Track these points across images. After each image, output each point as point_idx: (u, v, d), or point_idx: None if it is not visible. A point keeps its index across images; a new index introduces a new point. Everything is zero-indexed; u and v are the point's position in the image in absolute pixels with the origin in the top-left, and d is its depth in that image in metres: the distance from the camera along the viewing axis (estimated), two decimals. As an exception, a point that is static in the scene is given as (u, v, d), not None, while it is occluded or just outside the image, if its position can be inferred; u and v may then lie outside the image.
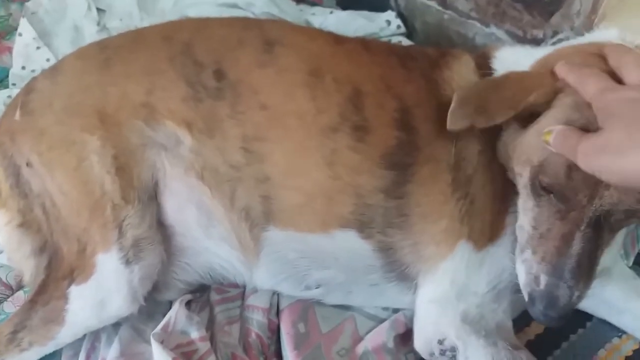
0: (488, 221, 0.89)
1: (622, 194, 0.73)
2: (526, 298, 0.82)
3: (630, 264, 1.08)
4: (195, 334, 0.95)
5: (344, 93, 0.92)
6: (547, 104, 0.78)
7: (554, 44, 1.15)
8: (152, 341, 0.91)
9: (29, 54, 1.40)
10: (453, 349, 0.89)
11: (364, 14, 1.44)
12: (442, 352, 0.90)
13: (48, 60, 1.39)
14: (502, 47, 1.00)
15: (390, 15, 1.42)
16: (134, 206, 0.91)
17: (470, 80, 0.95)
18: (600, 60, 0.79)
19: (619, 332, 1.01)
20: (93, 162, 0.91)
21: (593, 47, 0.84)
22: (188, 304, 1.00)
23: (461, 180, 0.89)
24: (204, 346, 0.94)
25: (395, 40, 1.40)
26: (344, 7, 1.51)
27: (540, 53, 0.90)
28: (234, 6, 1.46)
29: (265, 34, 0.98)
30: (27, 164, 0.94)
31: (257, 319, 1.00)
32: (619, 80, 0.74)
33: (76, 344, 0.96)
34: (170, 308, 0.99)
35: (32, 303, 0.90)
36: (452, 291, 0.90)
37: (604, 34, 0.91)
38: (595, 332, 1.02)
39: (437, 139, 0.90)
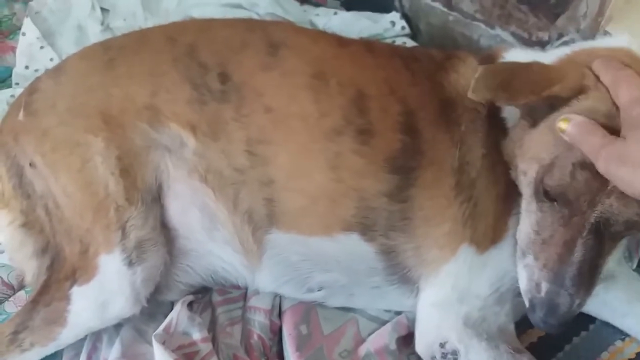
0: (491, 224, 0.89)
1: (622, 205, 0.73)
2: (527, 304, 0.82)
3: (634, 266, 1.08)
4: (197, 335, 0.95)
5: (348, 96, 0.92)
6: (567, 100, 0.77)
7: (560, 46, 1.14)
8: (154, 342, 0.91)
9: (32, 54, 1.40)
10: (455, 353, 0.89)
11: (368, 14, 1.44)
12: (444, 356, 0.89)
13: (52, 59, 1.39)
14: (511, 49, 0.99)
15: (394, 16, 1.42)
16: (137, 208, 0.91)
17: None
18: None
19: (622, 335, 1.01)
20: (97, 164, 0.91)
21: (621, 54, 0.81)
22: (190, 305, 1.00)
23: (465, 184, 0.89)
24: (205, 347, 0.94)
25: (399, 41, 1.39)
26: (348, 8, 1.51)
27: (550, 55, 0.89)
28: (238, 6, 1.46)
29: (269, 36, 0.98)
30: (31, 165, 0.94)
31: (259, 320, 1.00)
32: None
33: (77, 345, 0.96)
34: (172, 309, 0.99)
35: (34, 303, 0.90)
36: (454, 294, 0.90)
37: (616, 39, 0.90)
38: (598, 335, 1.02)
39: (441, 142, 0.90)
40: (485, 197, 0.89)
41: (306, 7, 1.51)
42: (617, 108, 0.73)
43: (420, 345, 0.93)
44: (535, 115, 0.81)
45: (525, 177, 0.82)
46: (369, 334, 0.99)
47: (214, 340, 0.97)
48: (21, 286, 1.05)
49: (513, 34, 1.26)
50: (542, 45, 1.19)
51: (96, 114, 0.94)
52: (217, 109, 0.93)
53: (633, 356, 0.98)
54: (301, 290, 1.00)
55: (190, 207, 0.95)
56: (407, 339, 0.98)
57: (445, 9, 1.35)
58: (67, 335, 0.91)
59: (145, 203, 0.92)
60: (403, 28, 1.41)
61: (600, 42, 0.92)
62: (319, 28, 1.42)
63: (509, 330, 0.92)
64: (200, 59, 0.95)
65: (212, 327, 1.00)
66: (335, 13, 1.46)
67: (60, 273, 0.91)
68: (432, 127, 0.91)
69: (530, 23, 1.22)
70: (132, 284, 0.90)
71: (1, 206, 0.95)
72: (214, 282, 1.03)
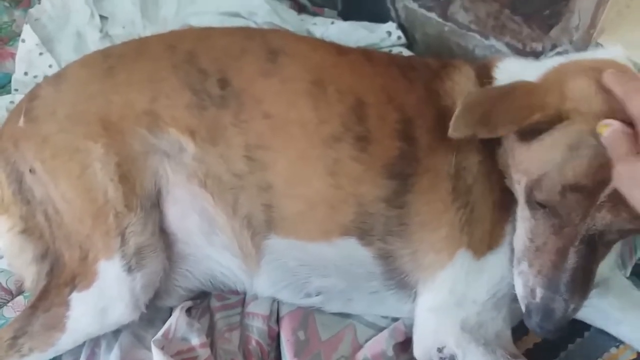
0: (487, 230, 0.90)
1: (614, 215, 0.74)
2: (523, 310, 0.83)
3: (628, 274, 1.08)
4: (195, 340, 0.95)
5: (346, 103, 0.93)
6: (550, 124, 0.78)
7: (553, 56, 1.16)
8: (153, 347, 0.91)
9: (31, 60, 1.41)
10: (452, 357, 0.90)
11: (365, 24, 1.45)
12: (442, 360, 0.90)
13: (50, 66, 1.40)
14: (504, 58, 1.01)
15: (391, 26, 1.44)
16: (136, 214, 0.92)
17: (470, 90, 0.96)
18: None
19: (617, 342, 1.01)
20: (96, 170, 0.92)
21: (608, 65, 0.82)
22: (188, 311, 1.01)
23: (461, 190, 0.90)
24: (204, 353, 0.94)
25: (395, 51, 1.41)
26: (345, 18, 1.52)
27: (542, 65, 0.91)
28: (237, 15, 1.47)
29: (268, 44, 0.99)
30: (30, 171, 0.94)
31: (257, 326, 1.00)
32: None
33: (76, 350, 0.96)
34: (170, 314, 0.99)
35: (33, 309, 0.91)
36: (452, 299, 0.90)
37: (608, 50, 0.92)
38: (593, 342, 1.02)
39: (438, 149, 0.92)
40: (482, 203, 0.91)
41: (304, 16, 1.53)
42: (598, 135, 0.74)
43: (418, 350, 0.93)
44: (524, 133, 0.82)
45: (520, 186, 0.84)
46: (367, 340, 1.00)
47: (212, 345, 0.98)
48: (20, 291, 1.05)
49: (507, 45, 1.27)
50: (536, 55, 1.21)
51: (96, 120, 0.94)
52: (217, 114, 0.93)
53: (627, 363, 0.99)
54: (299, 295, 1.00)
55: (189, 212, 0.96)
56: (404, 345, 0.98)
57: (440, 20, 1.37)
58: (66, 340, 0.91)
59: (145, 209, 0.93)
60: (399, 38, 1.42)
61: (592, 54, 0.93)
62: (316, 37, 1.44)
63: (506, 335, 0.93)
64: (200, 66, 0.96)
65: (211, 333, 1.00)
66: (333, 23, 1.47)
67: (60, 279, 0.91)
68: (428, 134, 0.92)
69: (524, 34, 1.24)
70: (132, 290, 0.91)
71: (1, 212, 0.96)
72: (212, 286, 1.03)
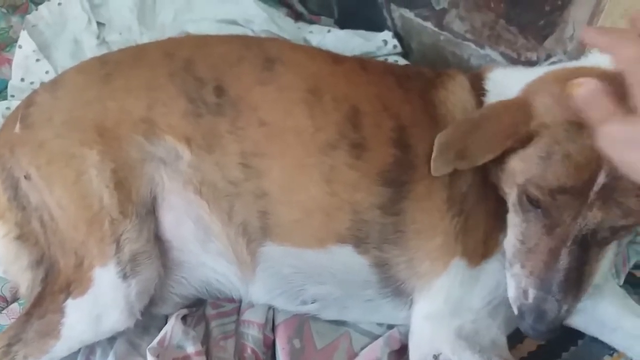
0: (482, 238, 0.91)
1: (605, 213, 0.75)
2: (515, 312, 0.83)
3: (621, 282, 1.09)
4: (191, 348, 0.95)
5: (342, 111, 0.93)
6: (524, 144, 0.80)
7: (542, 66, 1.17)
8: (148, 355, 0.91)
9: (28, 66, 1.41)
10: (448, 365, 0.89)
11: (361, 33, 1.46)
12: (437, 368, 0.90)
13: (47, 72, 1.40)
14: (494, 69, 1.02)
15: (387, 35, 1.44)
16: (131, 220, 0.92)
17: (465, 99, 0.97)
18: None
19: (611, 350, 1.02)
20: (92, 176, 0.92)
21: (580, 71, 0.84)
22: (184, 319, 1.01)
23: (456, 198, 0.91)
24: (199, 360, 0.94)
25: (391, 59, 1.42)
26: (342, 26, 1.53)
27: (531, 74, 0.92)
28: (234, 23, 1.47)
29: (265, 52, 1.00)
30: (26, 177, 0.94)
31: (252, 334, 1.00)
32: None
33: (71, 357, 0.95)
34: (166, 322, 0.99)
35: (28, 316, 0.90)
36: (447, 307, 0.91)
37: (596, 58, 0.93)
38: (587, 350, 1.03)
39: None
40: (476, 211, 0.91)
41: (300, 24, 1.54)
42: (570, 134, 0.75)
43: (414, 357, 0.93)
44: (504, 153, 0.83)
45: (510, 197, 0.85)
46: (362, 348, 1.00)
47: (207, 353, 0.97)
48: (15, 298, 1.05)
49: (502, 54, 1.28)
50: (531, 65, 1.22)
51: (92, 127, 0.94)
52: (213, 122, 0.94)
53: (622, 371, 0.99)
54: (294, 302, 1.00)
55: (185, 219, 0.96)
56: (399, 354, 0.98)
57: (436, 29, 1.38)
58: (60, 348, 0.91)
59: (140, 216, 0.93)
60: (395, 47, 1.43)
61: (578, 62, 0.94)
62: (313, 45, 1.44)
63: (501, 343, 0.93)
64: (197, 74, 0.96)
65: (206, 341, 1.00)
66: (329, 31, 1.48)
67: (55, 285, 0.91)
68: (423, 142, 0.92)
69: (519, 44, 1.25)
70: (127, 297, 0.91)
71: (-4, 218, 0.95)
72: (208, 294, 1.03)
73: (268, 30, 1.45)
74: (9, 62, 1.44)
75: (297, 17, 1.59)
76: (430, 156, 0.91)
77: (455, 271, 0.90)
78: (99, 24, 1.50)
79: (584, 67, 0.88)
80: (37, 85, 1.36)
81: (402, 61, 1.42)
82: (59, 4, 1.50)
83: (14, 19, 1.53)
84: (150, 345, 0.93)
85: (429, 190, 0.91)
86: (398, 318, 0.99)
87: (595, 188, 0.75)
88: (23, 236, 0.94)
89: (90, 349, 0.97)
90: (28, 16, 1.48)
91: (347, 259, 0.93)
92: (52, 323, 0.90)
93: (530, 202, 0.80)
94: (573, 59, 1.15)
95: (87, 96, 0.98)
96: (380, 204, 0.91)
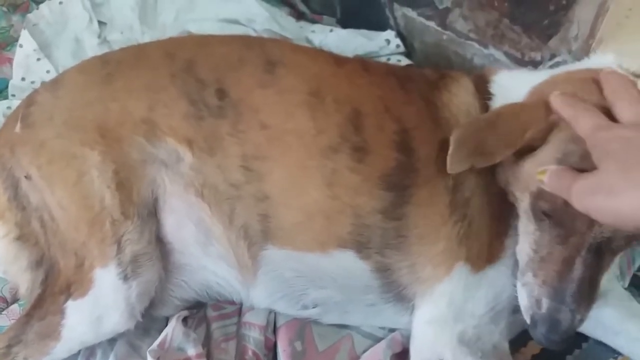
0: (486, 243, 0.90)
1: None
2: (528, 321, 0.82)
3: (626, 285, 1.08)
4: (191, 350, 0.95)
5: (344, 114, 0.93)
6: (543, 139, 0.79)
7: (551, 67, 1.16)
8: (149, 358, 0.91)
9: (29, 66, 1.41)
10: (449, 370, 0.89)
11: (363, 32, 1.45)
12: (439, 373, 0.90)
13: (48, 72, 1.40)
14: (499, 71, 1.01)
15: (389, 34, 1.44)
16: (133, 222, 0.91)
17: (468, 102, 0.96)
18: (595, 88, 0.80)
19: (615, 353, 1.01)
20: (93, 177, 0.92)
21: (587, 74, 0.84)
22: (184, 320, 1.00)
23: (459, 203, 0.90)
24: (200, 363, 0.94)
25: (394, 59, 1.41)
26: (344, 26, 1.52)
27: (537, 77, 0.91)
28: (235, 22, 1.47)
29: (266, 54, 0.99)
30: (26, 177, 0.94)
31: (253, 337, 1.00)
32: (611, 116, 0.74)
33: (71, 359, 0.95)
34: (166, 324, 0.99)
35: (28, 317, 0.90)
36: (449, 312, 0.90)
37: (600, 59, 0.92)
38: (592, 353, 1.02)
39: (435, 161, 0.91)
40: (480, 216, 0.90)
41: (302, 23, 1.53)
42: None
43: None
44: (520, 152, 0.82)
45: (522, 203, 0.84)
46: (364, 351, 0.99)
47: (208, 355, 0.97)
48: (15, 299, 1.05)
49: (506, 54, 1.27)
50: (535, 65, 1.21)
51: (93, 127, 0.94)
52: (214, 124, 0.93)
53: (626, 374, 0.98)
54: (296, 306, 1.00)
55: (186, 222, 0.95)
56: (401, 356, 0.97)
57: (439, 28, 1.37)
58: (61, 349, 0.90)
59: (141, 217, 0.92)
60: (398, 46, 1.43)
61: (583, 64, 0.94)
62: (315, 45, 1.44)
63: (503, 348, 0.92)
64: (198, 75, 0.96)
65: (207, 343, 1.00)
66: (331, 30, 1.47)
67: (55, 287, 0.91)
68: (426, 146, 0.92)
69: (523, 43, 1.24)
70: (127, 298, 0.90)
71: (-4, 218, 0.95)
72: (208, 297, 1.02)
73: (270, 30, 1.44)
74: (10, 61, 1.43)
75: (299, 16, 1.58)
76: (433, 160, 0.91)
77: (458, 276, 0.90)
78: (100, 23, 1.50)
79: (590, 69, 0.87)
80: (38, 85, 1.35)
81: (404, 61, 1.41)
82: (60, 2, 1.50)
83: (15, 18, 1.53)
84: (151, 348, 0.93)
85: (431, 194, 0.90)
86: (400, 323, 0.98)
87: None
88: (23, 237, 0.94)
89: (91, 350, 0.97)
90: (29, 15, 1.48)
91: (349, 264, 0.93)
92: (53, 324, 0.89)
93: (543, 212, 0.79)
94: (577, 58, 1.15)
95: (88, 96, 0.97)
96: (382, 209, 0.90)
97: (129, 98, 0.95)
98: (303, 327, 1.01)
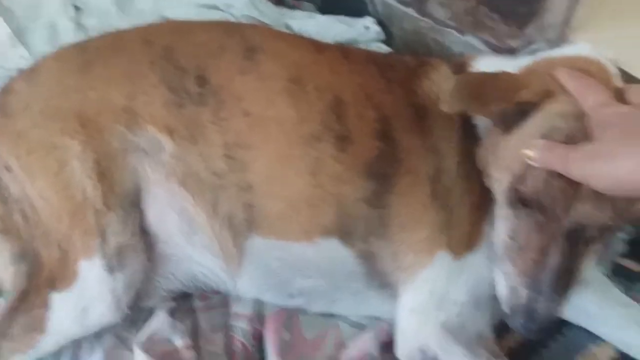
0: (467, 231, 0.91)
1: (596, 210, 0.75)
2: (507, 311, 0.83)
3: (606, 272, 1.10)
4: (179, 342, 0.95)
5: (325, 101, 0.93)
6: (535, 105, 0.80)
7: (528, 54, 1.18)
8: (135, 349, 0.91)
9: (3, 52, 1.36)
10: (435, 358, 0.90)
11: (343, 19, 1.45)
12: (424, 361, 0.91)
13: (22, 57, 1.36)
14: (478, 57, 1.02)
15: (369, 21, 1.44)
16: (116, 213, 0.91)
17: (448, 90, 0.97)
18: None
19: (597, 340, 1.02)
20: (74, 167, 0.90)
21: (581, 63, 0.85)
22: (172, 312, 1.00)
23: (440, 191, 0.91)
24: (188, 354, 0.94)
25: (373, 45, 1.41)
26: (324, 12, 1.52)
27: (516, 63, 0.92)
28: (214, 7, 1.45)
29: (246, 40, 0.98)
30: (7, 168, 0.92)
31: (241, 327, 1.00)
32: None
33: (58, 353, 0.94)
34: (153, 315, 0.99)
35: (13, 311, 0.89)
36: (432, 300, 0.91)
37: (577, 47, 0.93)
38: (574, 339, 1.03)
39: (416, 149, 0.92)
40: (461, 204, 0.91)
41: (282, 9, 1.51)
42: (583, 111, 0.76)
43: (400, 351, 0.94)
44: (507, 123, 0.83)
45: (500, 185, 0.84)
46: (351, 340, 1.00)
47: (196, 347, 0.97)
48: (-2, 293, 1.03)
49: (483, 41, 1.29)
50: (512, 52, 1.23)
51: (72, 116, 0.93)
52: (195, 112, 0.93)
53: (607, 360, 1.00)
54: (282, 295, 1.01)
55: (169, 212, 0.95)
56: (388, 345, 0.98)
57: (417, 15, 1.38)
58: (47, 342, 0.90)
59: (124, 208, 0.92)
60: (377, 33, 1.43)
61: (562, 51, 0.94)
62: (294, 31, 1.43)
63: (487, 335, 0.94)
64: (178, 62, 0.95)
65: (194, 334, 1.00)
66: (311, 17, 1.46)
67: (39, 279, 0.90)
68: (406, 134, 0.92)
69: (500, 31, 1.25)
70: (113, 290, 0.90)
71: (-24, 212, 0.93)
72: (194, 287, 1.03)
73: (249, 15, 1.42)
74: (-16, 48, 1.39)
75: (279, 2, 1.56)
76: (414, 149, 0.92)
77: (439, 263, 0.91)
78: (76, 8, 1.46)
79: (574, 56, 0.88)
80: (14, 72, 1.32)
81: (384, 47, 1.41)
82: (33, -14, 1.46)
83: (-13, 3, 1.48)
84: (138, 339, 0.93)
85: (413, 183, 0.92)
86: (386, 311, 0.99)
87: None
88: (5, 230, 0.92)
89: (78, 343, 0.96)
90: (2, 0, 1.44)
91: (334, 252, 0.94)
92: (38, 317, 0.89)
93: (519, 200, 0.80)
94: (553, 46, 1.17)
95: (66, 84, 0.96)
96: (365, 197, 0.91)
97: (108, 86, 0.94)
98: (290, 317, 1.02)
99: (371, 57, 1.06)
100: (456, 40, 1.33)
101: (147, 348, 0.92)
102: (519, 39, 1.23)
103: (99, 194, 0.90)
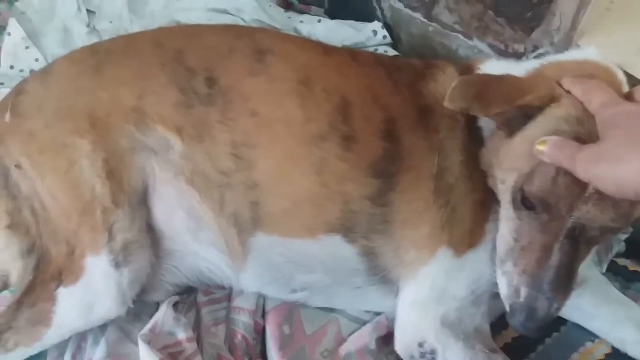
0: (468, 229, 0.92)
1: (599, 211, 0.75)
2: (507, 309, 0.84)
3: (604, 270, 1.11)
4: (182, 335, 0.96)
5: (333, 103, 0.94)
6: (540, 109, 0.80)
7: (535, 58, 1.18)
8: (140, 342, 0.92)
9: (17, 54, 1.40)
10: (433, 352, 0.91)
11: (351, 23, 1.46)
12: (422, 355, 0.92)
13: (37, 60, 1.39)
14: (486, 61, 1.03)
15: (376, 25, 1.45)
16: (124, 210, 0.92)
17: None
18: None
19: (592, 336, 1.03)
20: (84, 166, 0.92)
21: (577, 65, 0.86)
22: (175, 306, 1.02)
23: (443, 189, 0.92)
24: (190, 347, 0.95)
25: (381, 50, 1.42)
26: (332, 17, 1.53)
27: (523, 67, 0.92)
28: (224, 12, 1.47)
29: (256, 43, 1.00)
30: (17, 166, 0.94)
31: (243, 321, 1.02)
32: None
33: (62, 345, 0.96)
34: (157, 309, 1.00)
35: (19, 304, 0.91)
36: (432, 296, 0.92)
37: (585, 52, 0.94)
38: (570, 336, 1.04)
39: (421, 149, 0.93)
40: (463, 202, 0.92)
41: (291, 14, 1.53)
42: (588, 115, 0.77)
43: (399, 345, 0.95)
44: (511, 126, 0.84)
45: (504, 186, 0.85)
46: (350, 334, 1.02)
47: (198, 340, 0.99)
48: (5, 286, 1.05)
49: (490, 46, 1.29)
50: (518, 57, 1.23)
51: (83, 116, 0.94)
52: (204, 112, 0.94)
53: (603, 357, 1.01)
54: (285, 291, 1.02)
55: (176, 209, 0.96)
56: (386, 339, 1.00)
57: (425, 20, 1.38)
58: (52, 336, 0.91)
59: (132, 205, 0.93)
60: (385, 37, 1.44)
61: (569, 55, 0.95)
62: (303, 35, 1.44)
63: (485, 331, 0.94)
64: (188, 64, 0.97)
65: (197, 328, 1.01)
66: (320, 21, 1.48)
67: (46, 274, 0.92)
68: (412, 134, 0.93)
69: (507, 35, 1.26)
70: (119, 285, 0.92)
71: (-13, 208, 0.95)
72: (199, 282, 1.04)
73: (259, 20, 1.45)
74: (-2, 49, 1.43)
75: (288, 6, 1.59)
76: (419, 148, 0.93)
77: (441, 260, 0.92)
78: (89, 12, 1.49)
79: (582, 61, 0.89)
80: (27, 73, 1.35)
81: (391, 52, 1.42)
82: (48, -10, 1.49)
83: (2, 6, 1.51)
84: (142, 332, 0.94)
85: (416, 181, 0.93)
86: (386, 306, 1.00)
87: None
88: (14, 225, 0.94)
89: (82, 336, 0.98)
90: (17, 3, 1.47)
91: (337, 249, 0.95)
92: (44, 311, 0.90)
93: (524, 202, 0.80)
94: (560, 51, 1.17)
95: (78, 86, 0.98)
96: (369, 196, 0.92)
97: (118, 87, 0.96)
98: (291, 312, 1.03)
99: (379, 60, 1.08)
100: (463, 44, 1.34)
101: (150, 341, 0.93)
102: (526, 43, 1.23)
103: (108, 192, 0.92)
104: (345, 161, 0.92)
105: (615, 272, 1.13)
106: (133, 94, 0.95)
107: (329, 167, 0.92)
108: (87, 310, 0.92)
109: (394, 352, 0.97)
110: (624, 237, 1.17)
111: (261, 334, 1.02)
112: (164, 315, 0.97)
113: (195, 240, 0.98)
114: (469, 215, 0.92)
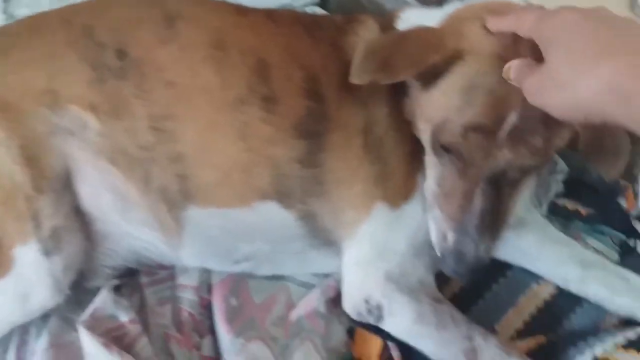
0: (401, 181, 0.92)
1: (514, 153, 0.77)
2: (439, 255, 0.85)
3: (544, 212, 1.13)
4: (124, 317, 0.94)
5: (249, 65, 0.91)
6: (447, 66, 0.80)
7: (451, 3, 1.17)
8: (80, 328, 0.90)
9: None
10: (379, 307, 0.92)
11: (277, -16, 1.43)
12: (369, 311, 0.93)
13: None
14: (406, 9, 1.01)
15: (303, -16, 1.42)
16: (48, 196, 0.89)
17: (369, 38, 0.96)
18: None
19: (538, 278, 1.05)
20: (0, 155, 0.89)
21: (505, 6, 0.85)
22: (118, 289, 1.00)
23: (372, 144, 0.91)
24: (134, 329, 0.93)
25: (309, 10, 1.39)
26: (258, -22, 1.49)
27: (443, 12, 0.92)
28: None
29: (165, 9, 0.96)
30: None
31: (188, 298, 1.00)
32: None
33: (5, 340, 0.94)
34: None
35: (-48, 303, 0.88)
36: (373, 252, 0.92)
37: None
38: (516, 279, 1.05)
39: (347, 104, 0.92)
40: (394, 155, 0.92)
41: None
42: (494, 69, 0.76)
43: (346, 304, 0.95)
44: (424, 79, 0.83)
45: (425, 135, 0.86)
46: (301, 300, 1.01)
47: (144, 321, 0.97)
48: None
49: (416, -3, 1.28)
50: (441, 3, 1.22)
51: None
52: (117, 86, 0.91)
53: (549, 297, 1.03)
54: (228, 263, 1.00)
55: (101, 190, 0.94)
56: (336, 301, 1.00)
57: (350, -25, 1.36)
58: None
59: (55, 190, 0.90)
60: (311, -4, 1.41)
61: None
62: (227, 1, 1.40)
63: (429, 282, 0.95)
64: (98, 39, 0.93)
65: (142, 309, 0.99)
66: (245, -16, 1.44)
67: None
68: (336, 91, 0.92)
69: (432, -17, 1.24)
70: (52, 273, 0.89)
71: None
72: (139, 263, 1.02)
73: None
74: None
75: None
76: (344, 104, 0.92)
77: (378, 216, 0.92)
78: (4, -2, 1.42)
79: (495, 1, 0.88)
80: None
81: (319, 11, 1.40)
82: (-42, -24, 1.42)
83: None
84: (81, 319, 0.92)
85: (345, 139, 0.91)
86: (332, 267, 1.00)
87: (506, 127, 0.76)
88: None
89: (25, 329, 0.95)
90: None
91: (273, 215, 0.93)
92: None
93: (442, 147, 0.81)
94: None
95: None
96: (298, 157, 0.91)
97: (27, 69, 0.92)
98: (238, 283, 1.02)
99: (298, 18, 1.04)
100: (390, -2, 1.32)
101: (91, 326, 0.91)
102: (450, -9, 1.22)
103: (28, 179, 0.89)
104: (268, 124, 0.90)
105: (555, 213, 1.14)
106: (43, 75, 0.91)
107: (253, 131, 0.90)
108: (22, 302, 0.89)
109: (344, 313, 0.97)
110: (561, 177, 1.18)
111: (208, 308, 1.01)
112: (103, 299, 0.95)
113: (125, 221, 0.96)
114: (400, 167, 0.92)
